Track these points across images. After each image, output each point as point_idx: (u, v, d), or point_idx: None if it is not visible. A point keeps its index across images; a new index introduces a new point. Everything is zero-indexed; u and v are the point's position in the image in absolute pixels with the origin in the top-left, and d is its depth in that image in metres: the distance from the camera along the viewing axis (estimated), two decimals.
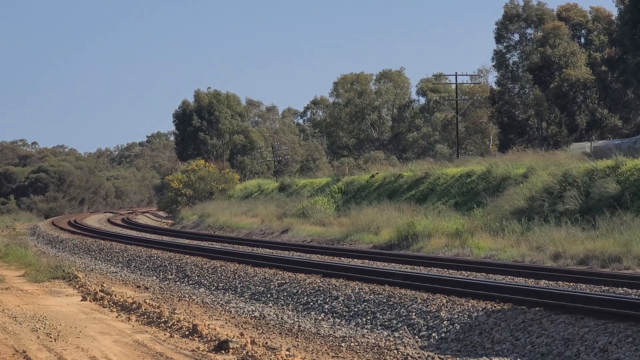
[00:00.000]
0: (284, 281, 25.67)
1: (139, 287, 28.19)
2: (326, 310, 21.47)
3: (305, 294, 23.53)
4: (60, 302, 23.06)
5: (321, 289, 23.52)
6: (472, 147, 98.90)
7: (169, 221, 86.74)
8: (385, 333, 18.42)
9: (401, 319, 19.24)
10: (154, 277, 31.26)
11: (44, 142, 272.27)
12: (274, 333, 18.74)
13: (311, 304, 22.45)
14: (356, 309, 20.83)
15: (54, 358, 14.95)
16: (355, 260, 33.02)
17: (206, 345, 15.88)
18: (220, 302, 24.08)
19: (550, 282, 23.69)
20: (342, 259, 33.75)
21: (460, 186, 46.06)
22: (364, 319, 19.95)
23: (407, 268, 28.63)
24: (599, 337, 15.28)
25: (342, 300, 21.87)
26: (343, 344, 17.17)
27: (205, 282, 28.36)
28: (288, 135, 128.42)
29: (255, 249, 41.01)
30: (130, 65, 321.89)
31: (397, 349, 16.46)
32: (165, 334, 17.36)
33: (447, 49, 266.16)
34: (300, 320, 20.48)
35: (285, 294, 24.18)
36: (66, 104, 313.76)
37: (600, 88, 73.49)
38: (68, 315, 20.18)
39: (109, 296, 23.20)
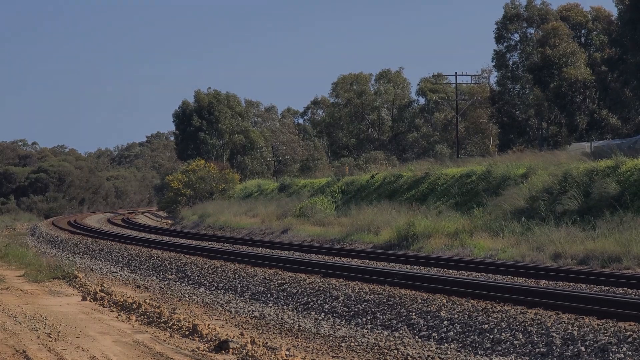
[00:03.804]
0: (284, 281, 25.67)
1: (139, 287, 28.19)
2: (326, 310, 21.47)
3: (305, 293, 23.53)
4: (60, 302, 23.06)
5: (321, 289, 23.53)
6: (472, 148, 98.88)
7: (169, 221, 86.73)
8: (386, 333, 18.42)
9: (401, 319, 19.25)
10: (154, 277, 31.26)
11: (44, 142, 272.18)
12: (274, 333, 18.74)
13: (311, 304, 22.46)
14: (356, 309, 20.84)
15: (54, 358, 14.95)
16: (355, 260, 33.03)
17: (206, 345, 15.88)
18: (221, 302, 24.07)
19: (550, 282, 23.69)
20: (342, 259, 33.76)
21: (460, 186, 46.05)
22: (364, 319, 19.95)
23: (407, 268, 28.64)
24: (599, 337, 15.29)
25: (342, 300, 21.87)
26: (343, 344, 17.17)
27: (205, 282, 28.36)
28: (287, 135, 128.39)
29: (255, 248, 41.01)
30: (130, 65, 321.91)
31: (397, 349, 16.46)
32: (165, 334, 17.36)
33: (447, 49, 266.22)
34: (300, 320, 20.48)
35: (285, 294, 24.18)
36: (66, 104, 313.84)
37: (600, 88, 73.48)
38: (68, 315, 20.18)
39: (109, 296, 23.20)
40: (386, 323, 19.27)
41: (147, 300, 23.03)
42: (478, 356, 15.91)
